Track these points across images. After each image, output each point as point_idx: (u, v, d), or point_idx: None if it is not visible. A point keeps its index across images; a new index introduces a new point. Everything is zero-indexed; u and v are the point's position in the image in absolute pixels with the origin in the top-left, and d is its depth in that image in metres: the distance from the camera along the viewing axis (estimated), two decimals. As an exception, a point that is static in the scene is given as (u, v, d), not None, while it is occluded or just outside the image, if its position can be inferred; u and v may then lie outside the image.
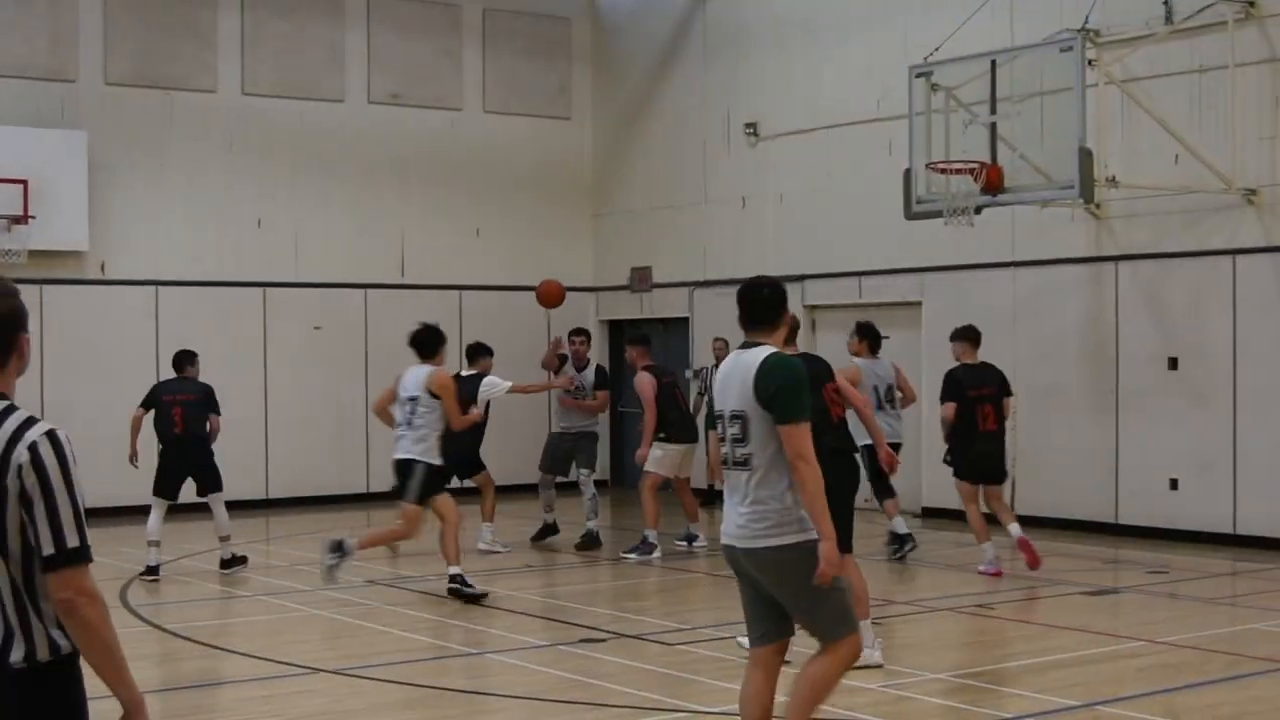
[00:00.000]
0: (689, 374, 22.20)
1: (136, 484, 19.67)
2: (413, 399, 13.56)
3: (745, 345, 7.11)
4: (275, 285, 21.28)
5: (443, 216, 22.80)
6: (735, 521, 7.04)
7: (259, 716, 9.54)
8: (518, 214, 23.41)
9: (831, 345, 20.12)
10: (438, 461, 13.42)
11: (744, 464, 6.96)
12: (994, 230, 17.69)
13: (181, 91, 20.90)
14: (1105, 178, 15.84)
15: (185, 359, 15.51)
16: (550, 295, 16.78)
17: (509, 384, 16.66)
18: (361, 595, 13.83)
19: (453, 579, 13.44)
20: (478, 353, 17.05)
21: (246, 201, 21.23)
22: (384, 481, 21.75)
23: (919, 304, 19.15)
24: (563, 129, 23.91)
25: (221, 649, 11.57)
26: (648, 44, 23.29)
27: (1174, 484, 16.73)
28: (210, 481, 15.20)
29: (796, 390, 6.89)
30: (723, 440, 7.09)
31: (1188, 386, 16.61)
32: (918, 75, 16.13)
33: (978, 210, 15.71)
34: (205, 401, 15.26)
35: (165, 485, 15.02)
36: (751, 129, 21.47)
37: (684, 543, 16.75)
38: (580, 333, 17.68)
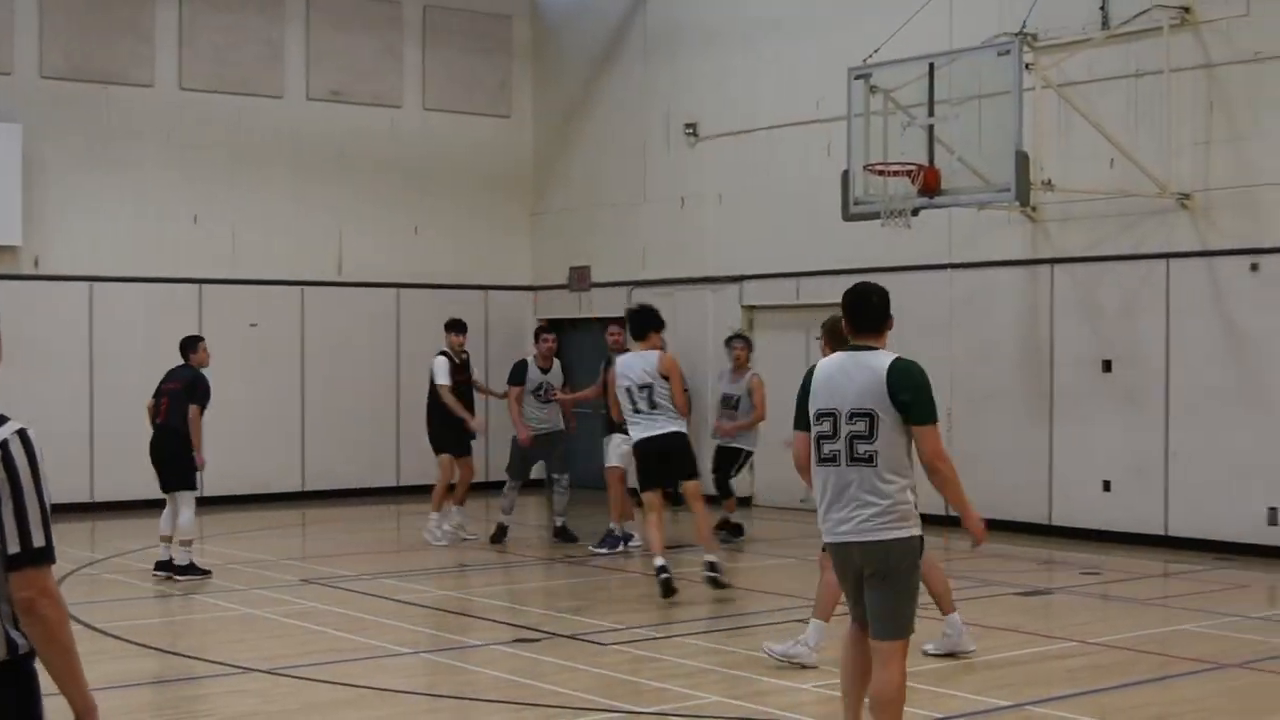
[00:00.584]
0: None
1: (71, 479, 19.61)
2: (646, 386, 13.49)
3: (856, 348, 7.43)
4: (211, 282, 21.15)
5: (381, 214, 22.72)
6: (850, 517, 7.28)
7: (190, 717, 9.49)
8: (456, 212, 23.36)
9: (769, 346, 20.22)
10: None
11: (867, 460, 7.23)
12: (931, 232, 17.78)
13: (118, 86, 20.74)
14: (1041, 181, 15.94)
15: (184, 345, 14.83)
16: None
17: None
18: (296, 594, 13.77)
19: (710, 566, 13.51)
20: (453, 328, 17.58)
21: (183, 197, 21.08)
22: (321, 479, 21.76)
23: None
24: (502, 127, 23.87)
25: (154, 648, 11.49)
26: (588, 43, 23.28)
27: (1107, 486, 16.85)
28: (171, 477, 14.46)
29: (930, 393, 7.33)
30: (827, 437, 7.33)
31: (1121, 389, 16.73)
32: (856, 77, 16.18)
33: (915, 212, 15.76)
34: (187, 391, 14.45)
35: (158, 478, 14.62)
36: (691, 129, 21.50)
37: (604, 548, 16.58)
38: (550, 330, 17.87)
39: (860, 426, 7.25)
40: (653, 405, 13.49)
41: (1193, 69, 16.10)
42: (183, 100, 21.17)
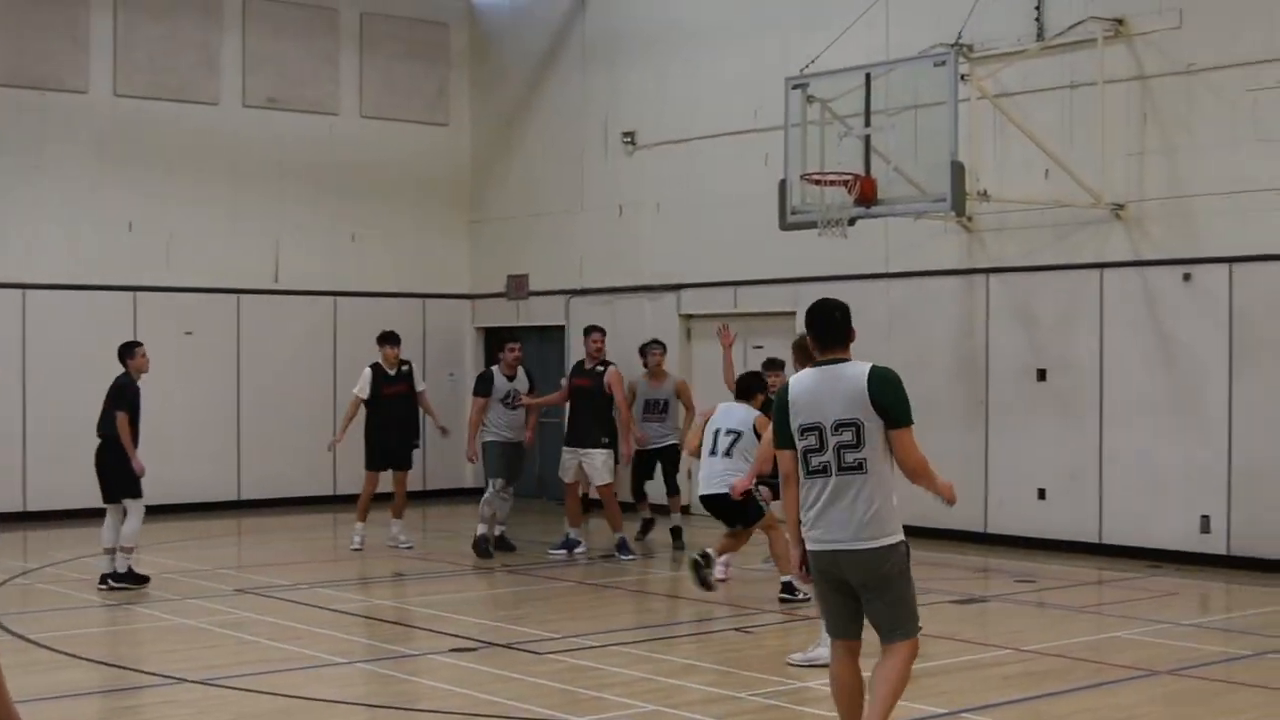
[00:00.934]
0: (563, 382, 22.14)
1: (3, 488, 19.46)
2: (734, 432, 13.60)
3: (827, 361, 7.68)
4: (146, 289, 20.99)
5: (318, 222, 22.62)
6: (844, 524, 7.47)
7: (123, 727, 9.41)
8: (394, 220, 23.29)
9: (705, 354, 20.26)
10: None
11: (857, 468, 7.46)
12: (868, 242, 17.85)
13: (53, 92, 20.57)
14: (977, 191, 16.03)
15: (121, 351, 14.60)
16: None
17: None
18: (229, 604, 13.68)
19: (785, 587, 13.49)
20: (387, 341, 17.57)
21: (118, 204, 20.93)
22: (257, 488, 21.64)
23: (793, 314, 19.25)
24: (440, 135, 23.81)
25: (86, 659, 11.38)
26: (526, 51, 23.27)
27: (1042, 494, 16.96)
28: (115, 486, 14.28)
29: (906, 396, 7.64)
30: (813, 451, 7.52)
31: (1056, 398, 16.85)
32: (794, 87, 16.23)
33: (851, 222, 15.82)
34: (113, 398, 14.29)
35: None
36: (629, 137, 21.52)
37: (563, 550, 16.84)
38: (515, 340, 17.85)
39: (847, 436, 7.46)
40: (728, 454, 13.61)
41: (1127, 81, 16.23)
42: (118, 107, 21.02)
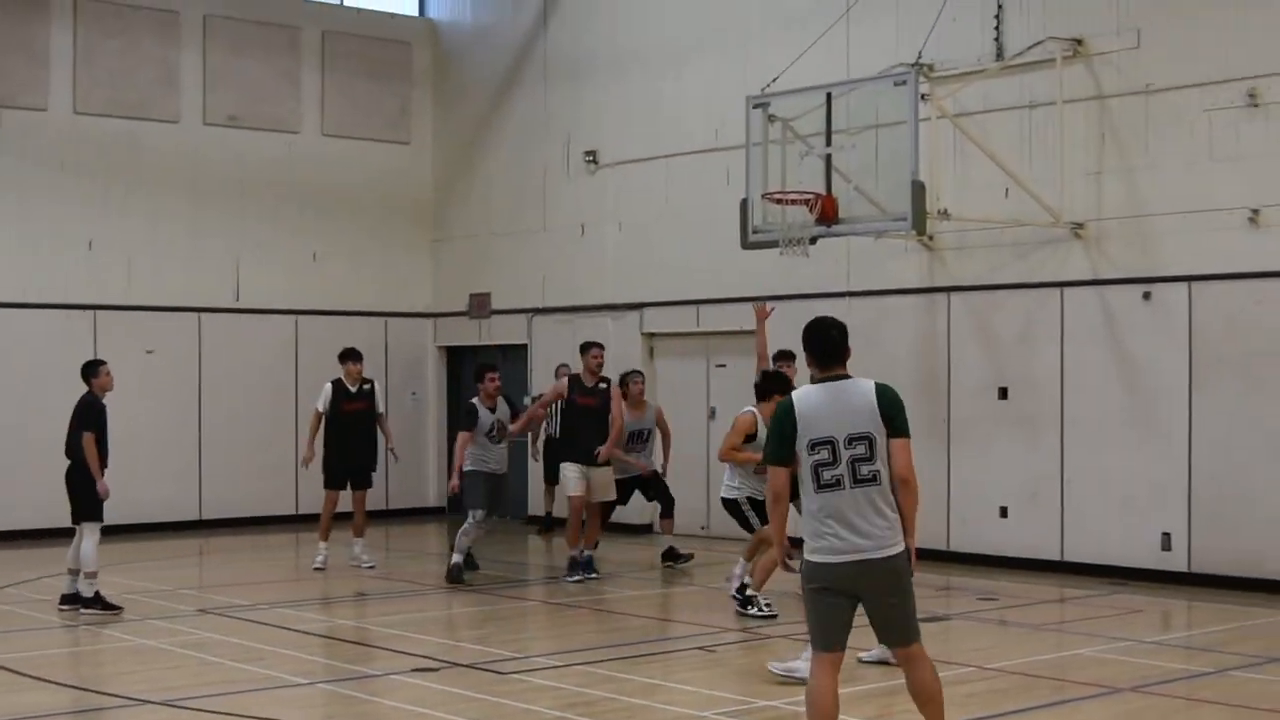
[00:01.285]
0: (526, 400, 22.17)
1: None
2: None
3: (830, 378, 7.96)
4: (106, 308, 20.90)
5: (279, 240, 22.57)
6: (868, 534, 7.66)
7: (84, 750, 9.36)
8: (356, 238, 23.25)
9: (669, 373, 20.29)
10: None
11: (872, 480, 7.69)
12: (829, 260, 17.90)
13: (11, 109, 20.48)
14: (937, 210, 16.10)
15: (84, 370, 14.45)
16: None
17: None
18: (191, 625, 13.61)
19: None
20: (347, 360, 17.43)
21: (78, 222, 20.84)
22: (218, 508, 21.55)
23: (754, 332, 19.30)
24: (402, 153, 23.80)
25: (47, 680, 11.30)
26: (488, 69, 23.28)
27: (1004, 512, 17.02)
28: (75, 507, 14.11)
29: (904, 409, 7.93)
30: (826, 465, 7.68)
31: (1017, 416, 16.91)
32: (755, 106, 16.28)
33: (813, 241, 15.87)
34: (77, 418, 14.18)
35: None
36: (591, 156, 21.54)
37: (580, 574, 16.35)
38: (493, 368, 16.75)
39: (861, 449, 7.70)
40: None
41: (1085, 100, 16.34)
42: (77, 124, 20.94)
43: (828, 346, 7.97)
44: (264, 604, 14.67)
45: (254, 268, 22.26)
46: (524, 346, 22.56)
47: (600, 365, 16.76)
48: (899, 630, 7.89)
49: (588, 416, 16.49)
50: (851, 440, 7.72)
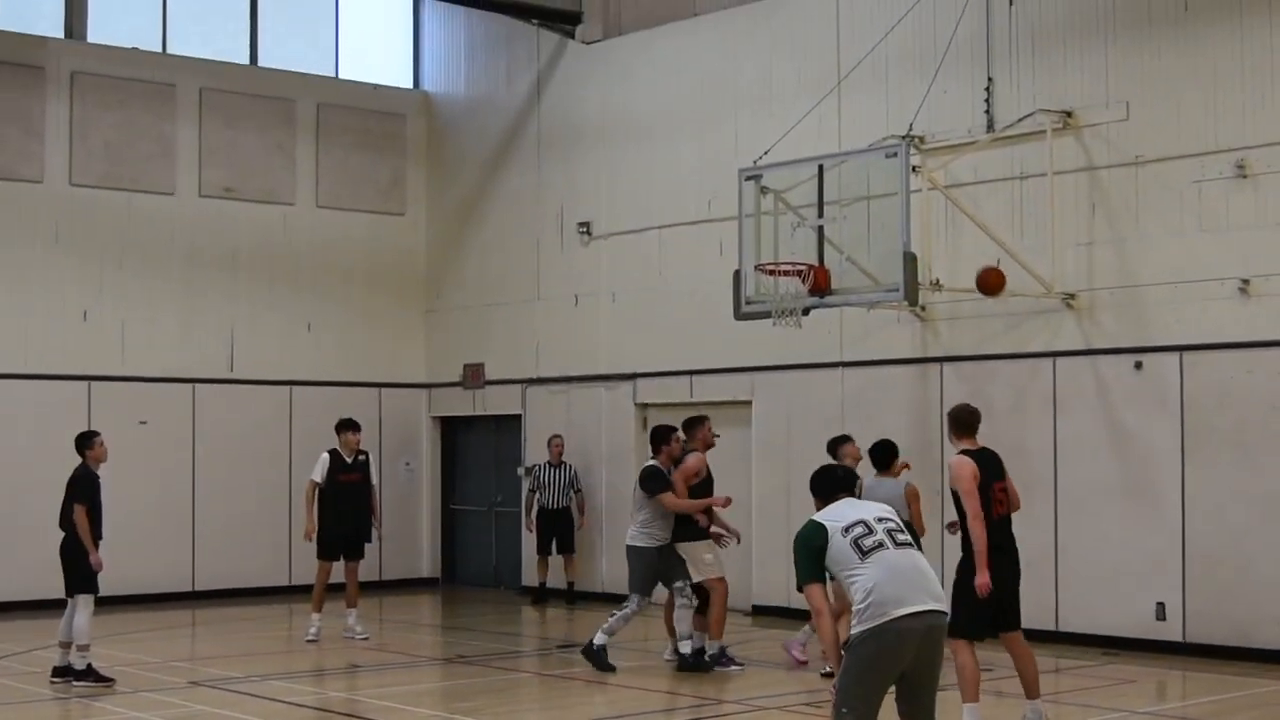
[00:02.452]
0: (520, 471, 22.19)
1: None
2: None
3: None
4: (101, 379, 20.92)
5: (274, 311, 22.62)
6: (931, 589, 8.02)
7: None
8: (350, 309, 23.30)
9: (663, 443, 20.28)
10: None
11: (910, 545, 8.11)
12: (822, 331, 17.96)
13: (7, 181, 20.57)
14: (930, 281, 16.17)
15: (78, 442, 14.47)
16: (991, 282, 15.88)
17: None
18: (183, 697, 13.56)
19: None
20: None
21: (72, 293, 20.90)
22: (212, 579, 21.48)
23: (749, 403, 19.34)
24: (396, 224, 23.89)
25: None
26: (482, 141, 23.40)
27: (997, 581, 16.97)
28: (68, 579, 14.09)
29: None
30: (864, 536, 7.99)
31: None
32: (747, 178, 16.37)
33: (806, 311, 15.92)
34: (68, 490, 14.19)
35: None
36: (584, 227, 21.63)
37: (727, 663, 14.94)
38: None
39: (891, 524, 8.11)
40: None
41: (1075, 171, 16.45)
42: (73, 196, 21.02)
43: (882, 456, 8.76)
44: (256, 676, 14.63)
45: (248, 338, 22.30)
46: (518, 417, 22.58)
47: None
48: (930, 702, 8.21)
49: (701, 490, 15.05)
50: (887, 518, 8.20)
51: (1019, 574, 11.85)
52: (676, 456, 14.87)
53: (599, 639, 14.62)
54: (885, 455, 14.19)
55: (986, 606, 11.16)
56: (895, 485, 13.90)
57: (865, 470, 14.29)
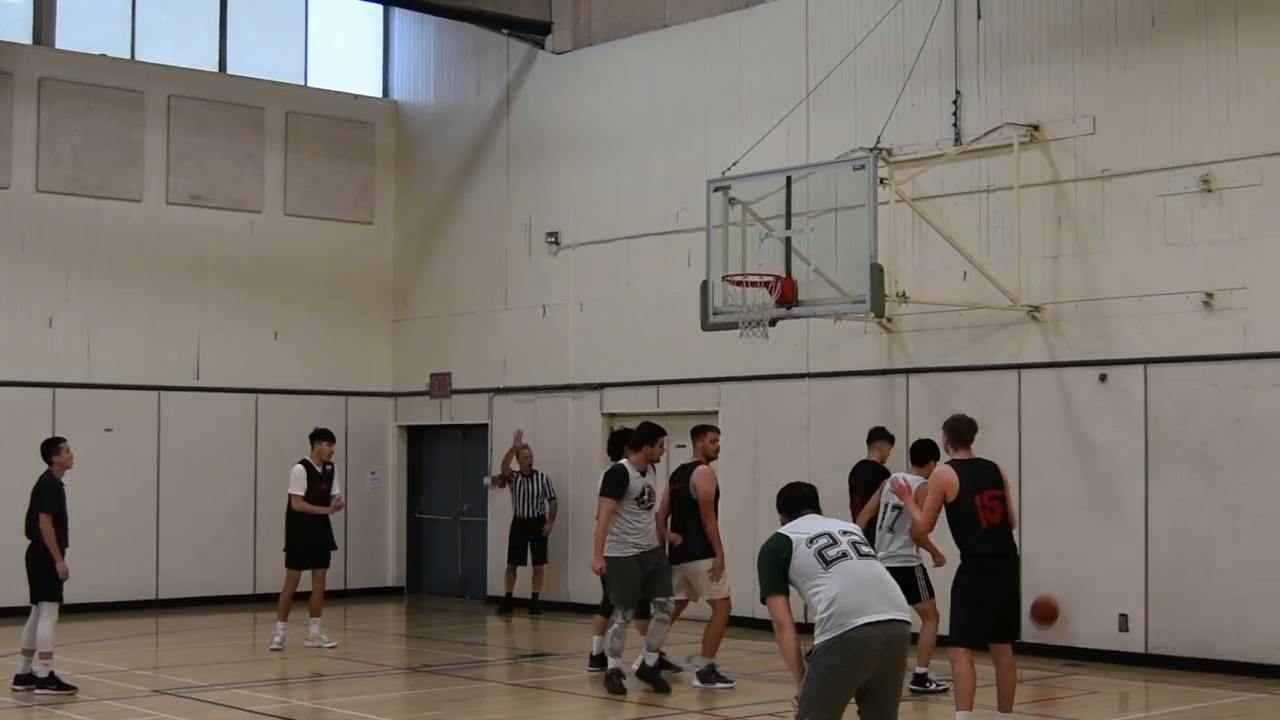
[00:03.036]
0: (486, 480, 22.18)
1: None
2: (899, 507, 13.68)
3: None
4: (66, 386, 20.84)
5: (241, 319, 22.55)
6: (893, 598, 8.08)
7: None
8: (317, 318, 23.25)
9: (630, 453, 20.27)
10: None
11: (873, 556, 8.26)
12: (789, 342, 18.00)
13: (-27, 188, 20.52)
14: (896, 293, 16.23)
15: (44, 449, 14.43)
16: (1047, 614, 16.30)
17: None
18: (146, 705, 13.51)
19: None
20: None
21: (38, 300, 20.80)
22: (176, 587, 21.40)
23: (715, 413, 19.37)
24: (364, 233, 23.85)
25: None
26: (451, 151, 23.39)
27: (962, 593, 17.02)
28: (33, 587, 14.02)
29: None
30: (828, 547, 8.12)
31: (975, 497, 16.94)
32: (715, 189, 16.40)
33: (773, 323, 15.94)
34: (33, 498, 14.13)
35: None
36: (553, 237, 21.63)
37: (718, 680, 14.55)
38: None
39: (856, 536, 8.26)
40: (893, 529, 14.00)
41: (1042, 185, 16.53)
42: (40, 202, 20.94)
43: (804, 500, 8.58)
44: (220, 685, 14.58)
45: (215, 346, 22.23)
46: (484, 426, 22.57)
47: (716, 448, 15.12)
48: (894, 714, 8.18)
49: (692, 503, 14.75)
50: (844, 532, 8.33)
51: (1018, 584, 11.90)
52: (656, 459, 14.53)
53: (612, 662, 14.05)
54: (923, 453, 14.10)
55: (988, 616, 11.18)
56: (921, 482, 13.69)
57: (895, 465, 14.92)
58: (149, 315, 21.76)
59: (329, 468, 17.48)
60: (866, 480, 15.08)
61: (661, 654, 14.36)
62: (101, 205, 21.42)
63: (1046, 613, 16.23)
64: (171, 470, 21.65)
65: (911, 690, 13.48)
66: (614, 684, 13.92)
